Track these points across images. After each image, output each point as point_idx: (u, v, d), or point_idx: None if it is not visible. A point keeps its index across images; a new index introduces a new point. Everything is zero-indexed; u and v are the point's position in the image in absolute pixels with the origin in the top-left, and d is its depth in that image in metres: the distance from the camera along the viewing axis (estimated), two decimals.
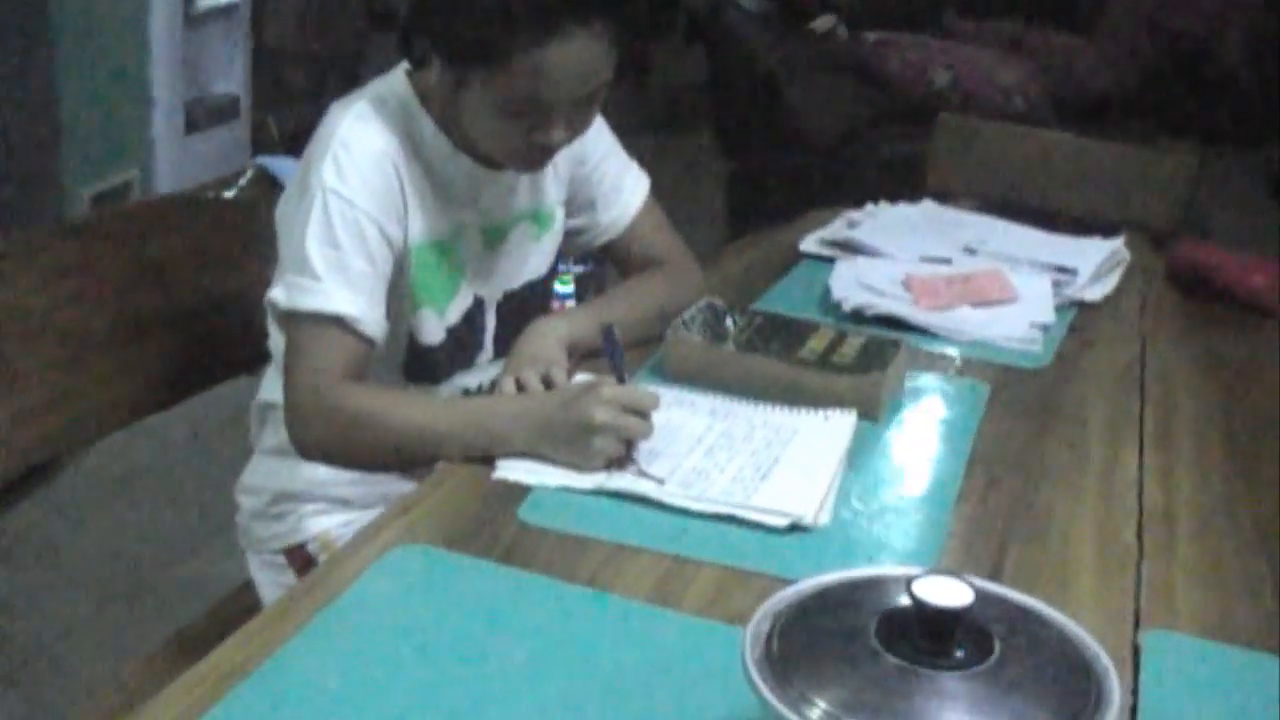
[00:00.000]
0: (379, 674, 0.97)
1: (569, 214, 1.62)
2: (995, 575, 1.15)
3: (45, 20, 2.84)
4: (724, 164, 3.99)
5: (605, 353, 1.35)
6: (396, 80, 1.44)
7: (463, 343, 1.52)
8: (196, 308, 1.67)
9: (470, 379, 1.54)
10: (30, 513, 2.83)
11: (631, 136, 1.67)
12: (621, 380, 1.31)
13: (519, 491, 1.24)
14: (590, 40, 1.29)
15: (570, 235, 1.64)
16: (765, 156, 3.74)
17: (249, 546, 1.59)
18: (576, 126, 1.40)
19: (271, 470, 1.53)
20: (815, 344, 1.51)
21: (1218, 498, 1.34)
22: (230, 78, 3.64)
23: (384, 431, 1.31)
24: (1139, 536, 1.24)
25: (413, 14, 1.35)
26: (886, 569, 0.92)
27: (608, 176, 1.61)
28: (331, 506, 1.53)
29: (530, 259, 1.58)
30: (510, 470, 1.27)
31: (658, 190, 1.68)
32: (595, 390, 1.25)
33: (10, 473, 1.50)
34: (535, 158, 1.42)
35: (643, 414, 1.26)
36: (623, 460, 1.26)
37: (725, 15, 3.77)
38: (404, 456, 1.33)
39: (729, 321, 1.54)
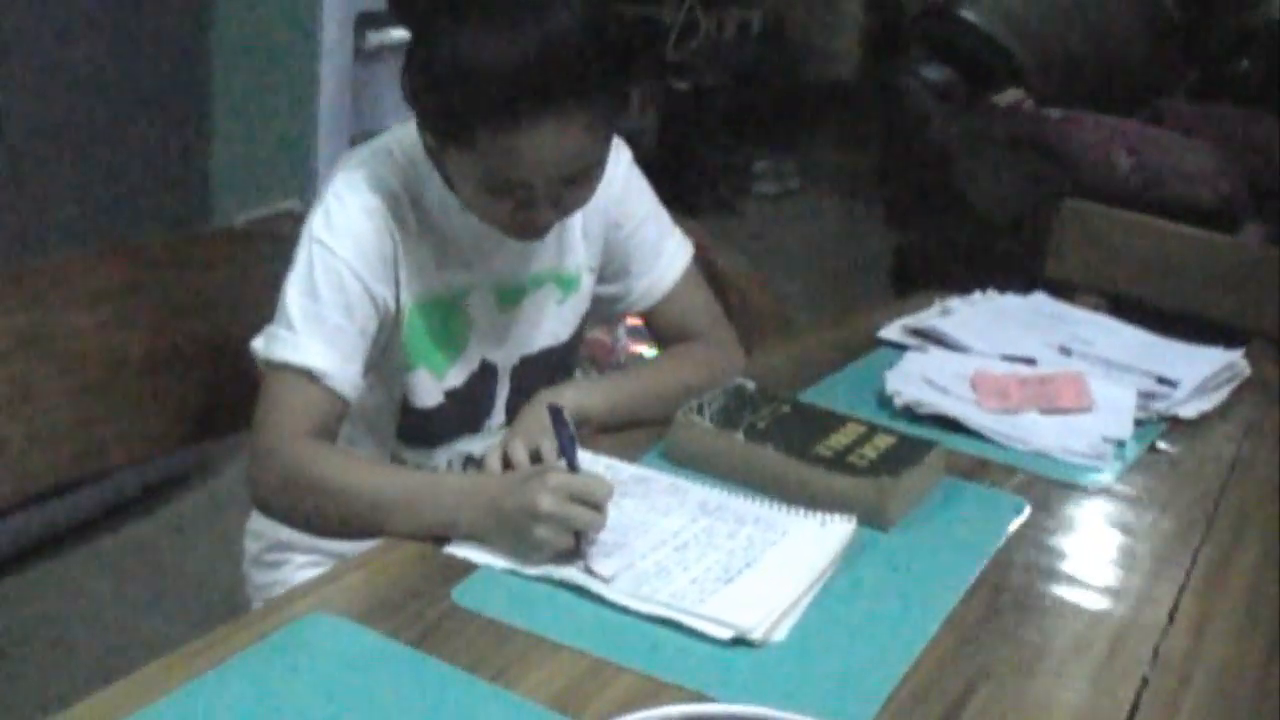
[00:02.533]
0: None
1: (604, 279, 1.55)
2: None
3: (207, 48, 2.92)
4: (893, 235, 3.87)
5: (557, 437, 1.27)
6: (407, 132, 1.40)
7: (466, 407, 1.46)
8: (240, 343, 1.66)
9: (476, 445, 1.48)
10: (146, 529, 2.89)
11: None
12: (573, 467, 1.23)
13: (462, 570, 1.18)
14: (564, 126, 1.23)
15: (604, 302, 1.57)
16: (933, 229, 3.60)
17: (251, 593, 1.56)
18: (566, 205, 1.34)
19: None
20: (838, 440, 1.40)
21: (1249, 660, 1.19)
22: (400, 113, 3.68)
23: (335, 494, 1.24)
24: (1138, 693, 1.10)
25: (402, 76, 1.30)
26: (746, 709, 0.82)
27: (645, 243, 1.54)
28: (325, 558, 1.49)
29: (550, 323, 1.51)
30: (462, 546, 1.20)
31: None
32: (542, 477, 1.17)
33: (24, 493, 1.50)
34: (526, 232, 1.36)
35: (595, 505, 1.17)
36: (570, 553, 1.18)
37: (902, 82, 3.65)
38: (350, 524, 1.25)
39: (750, 407, 1.45)
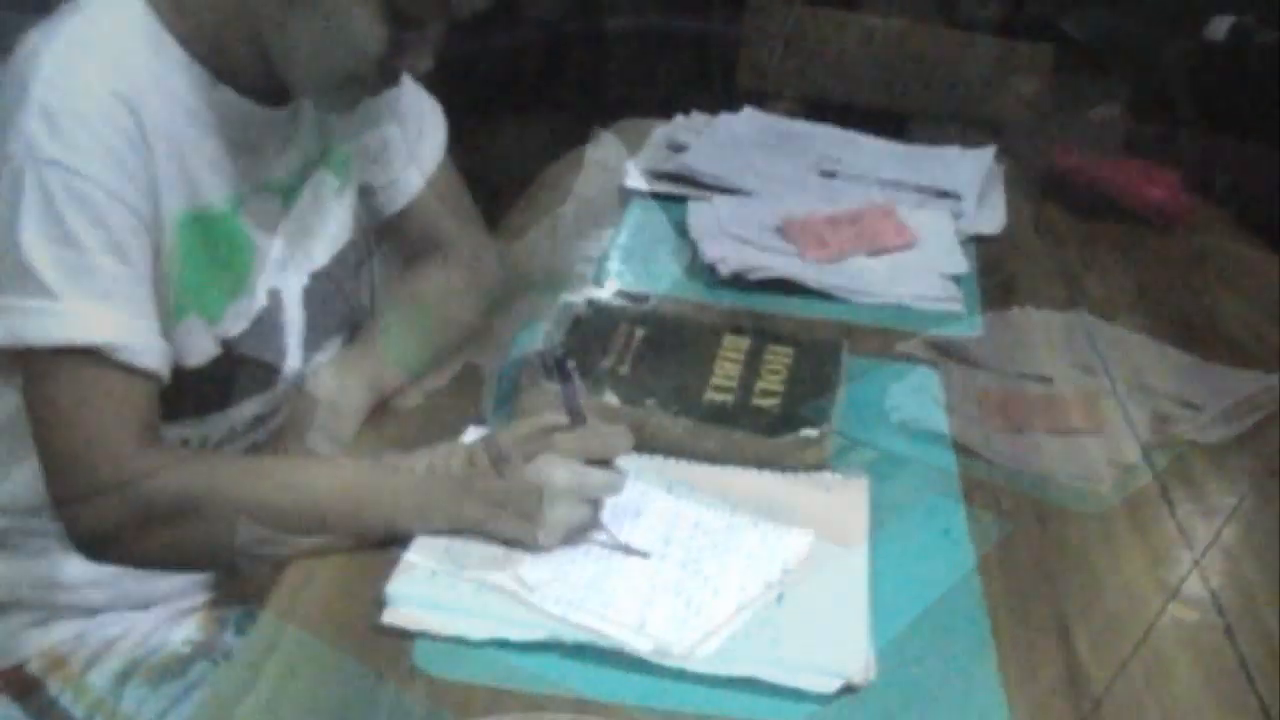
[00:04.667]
0: None
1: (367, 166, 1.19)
2: None
3: None
4: None
5: (561, 394, 0.96)
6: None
7: (248, 359, 1.06)
8: None
9: (263, 408, 1.10)
10: None
11: None
12: (578, 421, 0.95)
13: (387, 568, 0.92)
14: None
15: (366, 195, 1.20)
16: None
17: None
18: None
19: None
20: (725, 372, 1.10)
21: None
22: None
23: (231, 510, 0.91)
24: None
25: None
26: None
27: (409, 117, 1.20)
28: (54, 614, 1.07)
29: (334, 222, 1.14)
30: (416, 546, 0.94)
31: None
32: (549, 442, 0.94)
33: None
34: (391, 80, 1.04)
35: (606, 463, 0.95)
36: (591, 526, 0.95)
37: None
38: (258, 544, 0.92)
39: (599, 344, 1.10)
